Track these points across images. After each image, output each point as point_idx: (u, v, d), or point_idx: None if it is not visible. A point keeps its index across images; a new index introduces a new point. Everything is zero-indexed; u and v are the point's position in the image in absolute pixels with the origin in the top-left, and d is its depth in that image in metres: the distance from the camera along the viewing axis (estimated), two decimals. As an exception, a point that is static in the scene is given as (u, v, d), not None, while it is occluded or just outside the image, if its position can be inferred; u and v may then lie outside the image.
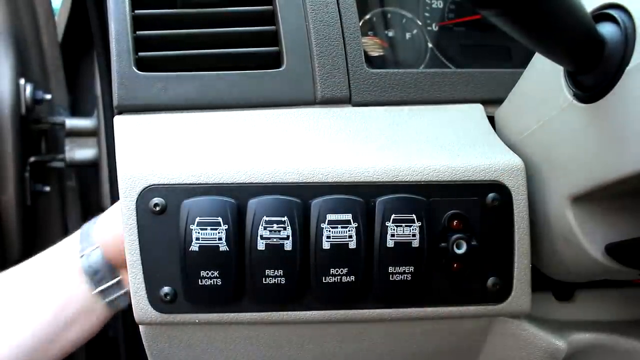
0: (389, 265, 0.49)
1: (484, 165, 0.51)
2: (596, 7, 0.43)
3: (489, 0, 0.34)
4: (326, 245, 0.48)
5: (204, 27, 0.58)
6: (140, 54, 0.56)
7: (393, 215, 0.49)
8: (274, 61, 0.57)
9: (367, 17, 0.66)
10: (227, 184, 0.49)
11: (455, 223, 0.50)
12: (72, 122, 0.92)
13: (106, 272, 0.57)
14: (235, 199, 0.49)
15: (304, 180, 0.49)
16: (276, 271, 0.49)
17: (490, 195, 0.51)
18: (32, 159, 0.88)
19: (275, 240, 0.48)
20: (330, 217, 0.48)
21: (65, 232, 0.92)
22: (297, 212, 0.48)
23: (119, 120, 0.54)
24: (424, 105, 0.57)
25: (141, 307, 0.49)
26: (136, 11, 0.57)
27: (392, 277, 0.49)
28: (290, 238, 0.48)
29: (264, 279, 0.49)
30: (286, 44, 0.57)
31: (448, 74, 0.59)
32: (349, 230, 0.49)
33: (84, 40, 0.97)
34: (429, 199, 0.50)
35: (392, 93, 0.57)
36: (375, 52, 0.65)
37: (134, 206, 0.49)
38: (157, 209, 0.48)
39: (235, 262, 0.48)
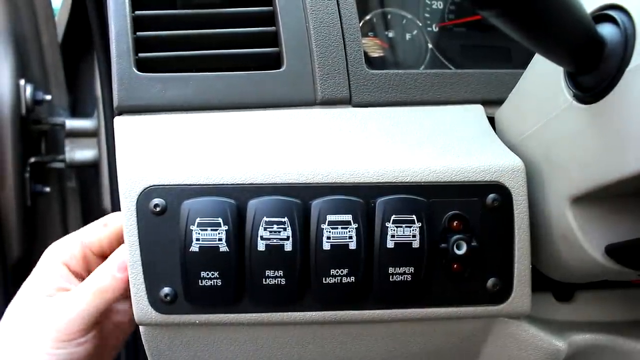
0: (389, 266, 0.49)
1: (484, 166, 0.51)
2: (596, 8, 0.43)
3: (488, 1, 0.34)
4: (326, 246, 0.48)
5: (204, 28, 0.58)
6: (140, 54, 0.56)
7: (393, 216, 0.49)
8: (274, 62, 0.57)
9: (367, 17, 0.66)
10: (227, 184, 0.49)
11: (455, 224, 0.50)
12: (72, 123, 0.92)
13: None
14: (236, 200, 0.49)
15: (304, 181, 0.49)
16: (276, 272, 0.48)
17: (491, 196, 0.51)
18: (32, 159, 0.88)
19: (275, 241, 0.48)
20: (331, 217, 0.48)
21: (65, 232, 0.91)
22: (297, 213, 0.48)
23: (119, 121, 0.54)
24: (424, 106, 0.57)
25: (141, 308, 0.49)
26: (136, 12, 0.57)
27: (392, 278, 0.49)
28: (291, 239, 0.48)
29: (264, 279, 0.49)
30: (286, 44, 0.57)
31: (448, 75, 0.59)
32: (349, 231, 0.49)
33: (84, 40, 0.97)
34: (429, 199, 0.50)
35: (392, 94, 0.57)
36: (375, 53, 0.65)
37: (134, 207, 0.48)
38: (158, 209, 0.48)
39: (236, 262, 0.48)
